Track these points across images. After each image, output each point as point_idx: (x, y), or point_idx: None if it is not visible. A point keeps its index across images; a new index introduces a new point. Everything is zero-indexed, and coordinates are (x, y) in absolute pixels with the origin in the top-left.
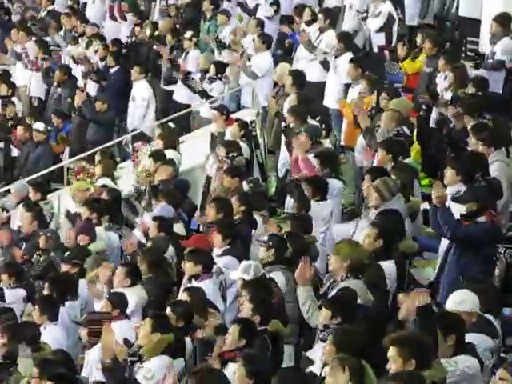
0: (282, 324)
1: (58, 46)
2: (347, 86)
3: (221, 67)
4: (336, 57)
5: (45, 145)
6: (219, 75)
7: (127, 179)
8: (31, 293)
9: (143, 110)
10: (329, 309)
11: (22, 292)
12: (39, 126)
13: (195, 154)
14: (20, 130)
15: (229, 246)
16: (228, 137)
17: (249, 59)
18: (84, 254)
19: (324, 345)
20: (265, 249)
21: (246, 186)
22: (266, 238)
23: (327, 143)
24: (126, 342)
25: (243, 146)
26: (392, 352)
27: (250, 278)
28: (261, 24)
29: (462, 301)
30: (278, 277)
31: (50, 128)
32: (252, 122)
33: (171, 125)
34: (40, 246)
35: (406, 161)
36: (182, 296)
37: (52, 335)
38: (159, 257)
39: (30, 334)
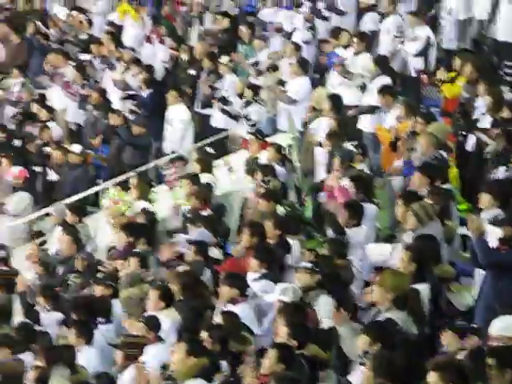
0: (321, 348)
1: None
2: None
3: (256, 89)
4: (372, 80)
5: (82, 168)
6: (255, 98)
7: (163, 203)
8: (68, 316)
9: (181, 133)
10: (368, 335)
11: (57, 316)
12: (76, 148)
13: (232, 177)
14: (57, 153)
15: (266, 271)
16: (264, 160)
17: (282, 84)
18: (117, 275)
19: (363, 369)
20: (308, 275)
21: (281, 210)
22: (307, 264)
23: (363, 167)
24: (163, 366)
25: (279, 169)
26: (433, 377)
27: (289, 299)
28: (299, 48)
29: (507, 326)
30: (327, 300)
31: (87, 151)
32: (289, 146)
33: (208, 149)
34: (77, 268)
35: (445, 185)
36: (218, 320)
37: (87, 358)
38: (191, 280)
39: (68, 356)
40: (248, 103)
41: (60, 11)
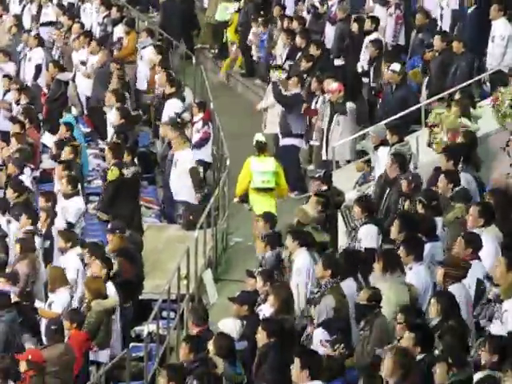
0: None
1: None
2: None
3: None
4: None
5: (405, 86)
6: None
7: (487, 119)
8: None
9: (502, 49)
10: None
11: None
12: (394, 67)
13: None
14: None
15: None
16: None
17: None
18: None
19: None
20: None
21: None
22: None
23: None
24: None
25: None
26: None
27: None
28: None
29: None
30: None
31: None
32: None
33: None
34: (403, 190)
35: None
36: None
37: (417, 275)
38: (505, 197)
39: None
40: None
41: None
